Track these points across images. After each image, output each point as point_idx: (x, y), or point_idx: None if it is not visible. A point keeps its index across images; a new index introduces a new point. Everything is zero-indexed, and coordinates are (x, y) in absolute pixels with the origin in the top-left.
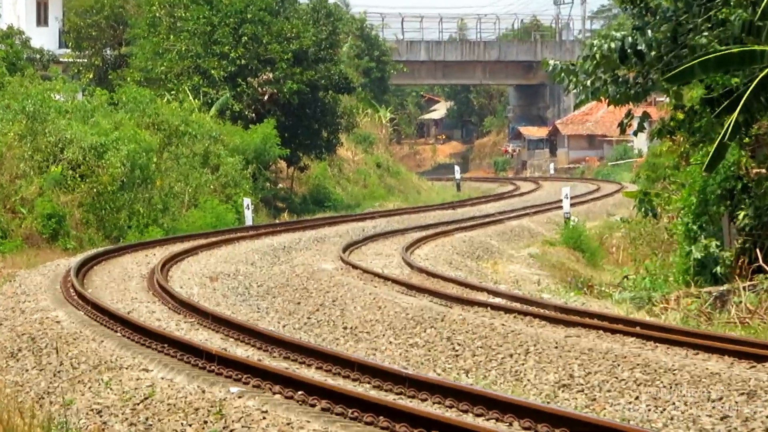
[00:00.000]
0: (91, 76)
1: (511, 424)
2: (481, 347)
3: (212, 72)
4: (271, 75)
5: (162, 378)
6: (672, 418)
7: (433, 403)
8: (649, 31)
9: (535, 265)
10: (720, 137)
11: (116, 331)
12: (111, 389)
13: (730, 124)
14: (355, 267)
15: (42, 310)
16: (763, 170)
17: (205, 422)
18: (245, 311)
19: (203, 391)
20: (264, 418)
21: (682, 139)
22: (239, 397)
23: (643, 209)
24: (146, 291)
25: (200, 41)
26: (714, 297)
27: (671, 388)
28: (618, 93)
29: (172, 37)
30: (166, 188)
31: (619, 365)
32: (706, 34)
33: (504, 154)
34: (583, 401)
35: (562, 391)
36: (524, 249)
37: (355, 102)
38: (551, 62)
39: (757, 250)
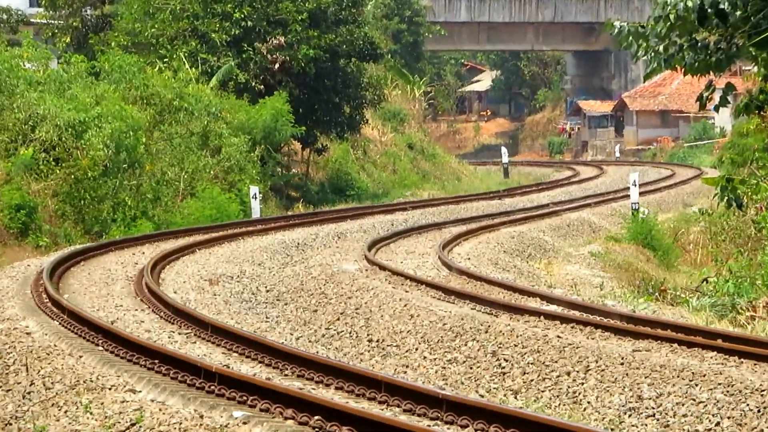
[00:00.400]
0: (68, 40)
1: None
2: (532, 363)
3: (212, 36)
4: (282, 39)
5: (152, 400)
6: None
7: (476, 429)
8: None
9: (597, 266)
10: None
11: (98, 345)
12: (91, 413)
13: None
14: (382, 268)
15: (9, 320)
16: None
17: None
18: (251, 321)
19: (201, 416)
20: None
21: None
22: (244, 423)
23: (725, 199)
24: (133, 297)
25: None
26: None
27: (759, 412)
28: (696, 61)
29: None
30: (157, 174)
31: (696, 385)
32: None
33: (560, 133)
34: (654, 428)
35: (629, 416)
36: (584, 246)
37: (382, 71)
38: (617, 24)
39: None
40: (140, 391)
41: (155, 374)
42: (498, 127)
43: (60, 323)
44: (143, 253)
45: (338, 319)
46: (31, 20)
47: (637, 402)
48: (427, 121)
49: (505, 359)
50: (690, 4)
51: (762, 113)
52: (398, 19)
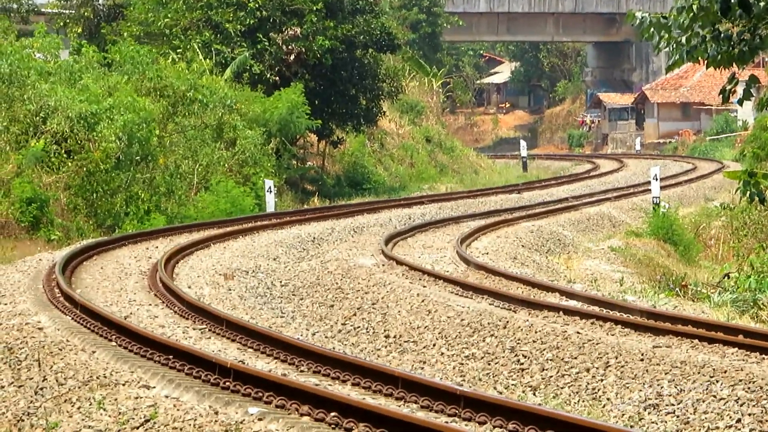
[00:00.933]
0: (79, 30)
1: None
2: (551, 360)
3: (227, 26)
4: (298, 30)
5: (166, 396)
6: None
7: (494, 426)
8: None
9: (617, 261)
10: None
11: (111, 340)
12: (104, 410)
13: None
14: (399, 263)
15: (21, 315)
16: None
17: None
18: (267, 316)
19: (216, 413)
20: None
21: None
22: (260, 420)
23: (748, 193)
24: (147, 291)
25: None
26: None
27: None
28: (719, 52)
29: None
30: (170, 167)
31: (717, 381)
32: None
33: (580, 126)
34: (674, 425)
35: (649, 413)
36: (604, 241)
37: (400, 63)
38: (638, 14)
39: None
40: (154, 387)
41: (169, 370)
42: (517, 119)
43: (72, 318)
44: (157, 247)
45: (355, 315)
46: (42, 10)
47: (657, 398)
48: (445, 113)
49: (523, 355)
50: None
51: None
52: (416, 10)
